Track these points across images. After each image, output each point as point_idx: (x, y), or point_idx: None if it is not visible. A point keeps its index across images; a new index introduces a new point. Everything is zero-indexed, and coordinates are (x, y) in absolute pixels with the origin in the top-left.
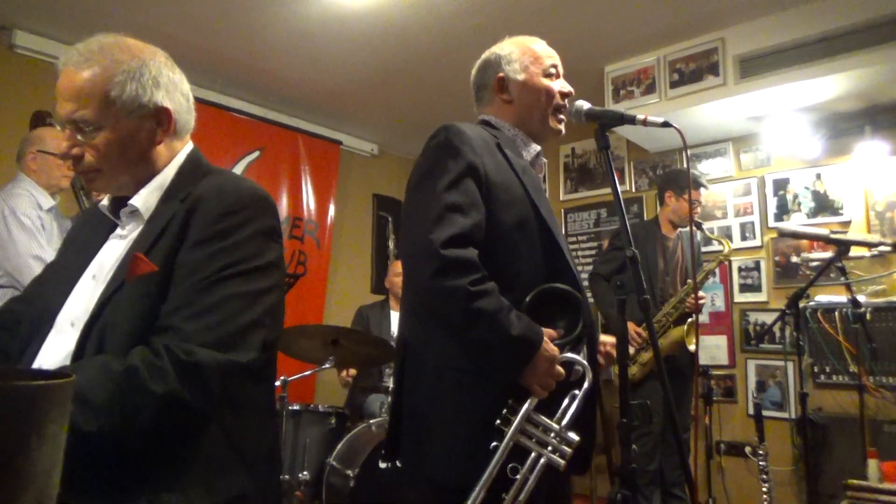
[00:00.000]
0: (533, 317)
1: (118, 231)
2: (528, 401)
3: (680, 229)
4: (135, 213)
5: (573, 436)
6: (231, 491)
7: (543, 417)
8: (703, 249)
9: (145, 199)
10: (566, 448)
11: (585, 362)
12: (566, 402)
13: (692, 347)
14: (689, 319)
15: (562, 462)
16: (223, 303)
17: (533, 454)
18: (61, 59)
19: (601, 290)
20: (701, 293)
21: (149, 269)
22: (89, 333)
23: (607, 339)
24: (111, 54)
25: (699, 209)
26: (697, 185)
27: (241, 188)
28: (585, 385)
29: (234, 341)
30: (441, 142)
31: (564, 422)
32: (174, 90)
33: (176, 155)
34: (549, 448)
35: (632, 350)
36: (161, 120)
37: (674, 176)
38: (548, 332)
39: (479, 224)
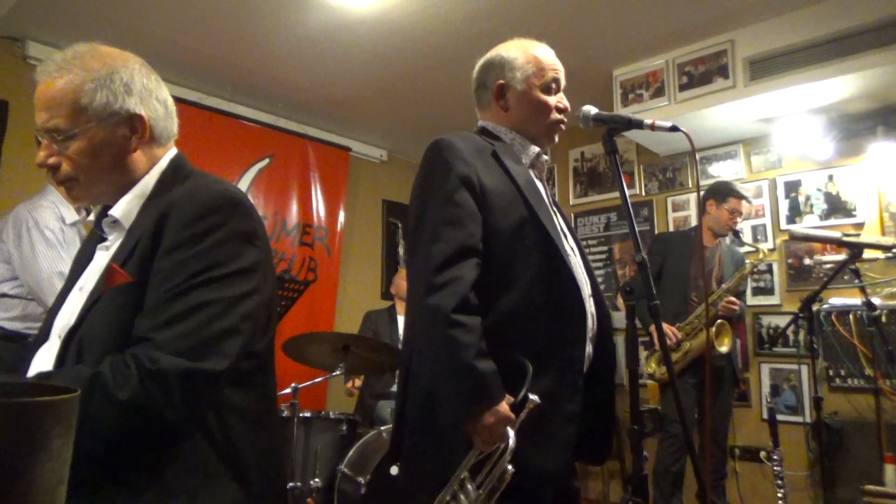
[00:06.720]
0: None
1: (104, 242)
2: (470, 452)
3: (720, 239)
4: (116, 223)
5: None
6: (217, 499)
7: (469, 484)
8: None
9: (125, 208)
10: None
11: (511, 434)
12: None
13: (723, 349)
14: (718, 321)
15: None
16: (195, 310)
17: None
18: (38, 69)
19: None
20: (733, 298)
21: (123, 280)
22: (69, 344)
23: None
24: (82, 62)
25: (738, 219)
26: (739, 195)
27: (212, 191)
28: (507, 453)
29: (206, 350)
30: (433, 158)
31: (481, 491)
32: (148, 97)
33: (158, 161)
34: None
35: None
36: (135, 127)
37: (717, 186)
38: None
39: (475, 233)
